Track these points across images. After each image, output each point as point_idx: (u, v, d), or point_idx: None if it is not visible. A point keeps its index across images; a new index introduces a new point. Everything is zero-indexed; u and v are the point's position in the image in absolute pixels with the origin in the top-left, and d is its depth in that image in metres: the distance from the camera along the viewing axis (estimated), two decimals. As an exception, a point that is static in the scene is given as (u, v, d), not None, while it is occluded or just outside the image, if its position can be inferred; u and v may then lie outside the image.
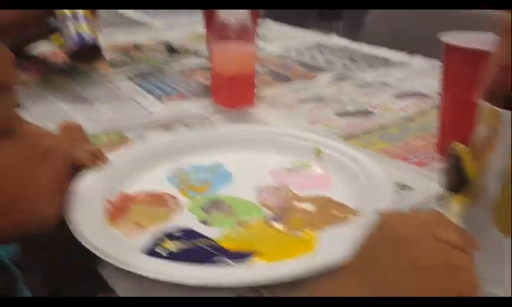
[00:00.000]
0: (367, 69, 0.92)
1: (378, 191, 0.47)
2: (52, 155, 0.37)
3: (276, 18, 1.25)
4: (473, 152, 0.37)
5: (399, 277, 0.32)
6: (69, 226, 0.41)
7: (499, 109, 0.35)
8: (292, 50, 1.05)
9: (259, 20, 0.82)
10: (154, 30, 1.18)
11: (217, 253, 0.41)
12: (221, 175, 0.54)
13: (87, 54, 0.75)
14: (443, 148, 0.59)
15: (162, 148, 0.57)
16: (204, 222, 0.46)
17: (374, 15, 1.27)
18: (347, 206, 0.47)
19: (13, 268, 0.40)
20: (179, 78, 0.87)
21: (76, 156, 0.48)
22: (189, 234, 0.44)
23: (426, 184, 0.52)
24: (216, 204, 0.49)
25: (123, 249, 0.40)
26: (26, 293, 0.40)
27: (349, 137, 0.65)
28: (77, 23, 0.73)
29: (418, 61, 0.96)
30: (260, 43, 0.83)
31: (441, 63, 0.57)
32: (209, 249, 0.42)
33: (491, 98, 0.36)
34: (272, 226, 0.45)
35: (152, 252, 0.41)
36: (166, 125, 0.67)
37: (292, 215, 0.47)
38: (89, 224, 0.41)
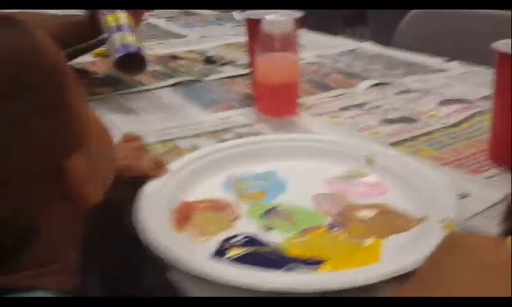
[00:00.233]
0: (406, 75, 0.92)
1: (440, 199, 0.47)
2: None
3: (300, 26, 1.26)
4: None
5: (470, 285, 0.33)
6: (139, 235, 0.43)
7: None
8: (327, 57, 1.06)
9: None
10: (188, 41, 1.20)
11: (284, 260, 0.42)
12: (276, 183, 0.55)
13: (132, 63, 0.77)
14: (495, 155, 0.59)
15: (216, 156, 0.58)
16: (265, 229, 0.47)
17: (405, 19, 1.27)
18: (407, 215, 0.48)
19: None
20: (219, 87, 0.88)
21: (139, 166, 0.50)
22: (252, 241, 0.45)
23: (485, 192, 0.52)
24: (275, 211, 0.50)
25: (192, 255, 0.41)
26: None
27: (395, 144, 0.65)
28: (122, 34, 0.75)
29: (455, 67, 0.96)
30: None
31: (493, 70, 0.57)
32: (274, 256, 0.43)
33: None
34: (334, 234, 0.46)
35: (218, 258, 0.42)
36: (215, 134, 0.69)
37: (352, 223, 0.47)
38: (158, 232, 0.43)
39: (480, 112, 0.73)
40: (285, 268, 0.40)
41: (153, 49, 1.11)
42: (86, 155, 0.34)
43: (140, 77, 0.88)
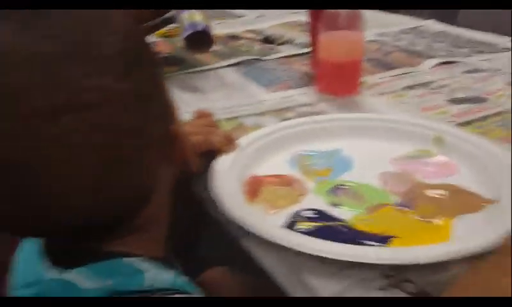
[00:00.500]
0: (472, 54, 0.89)
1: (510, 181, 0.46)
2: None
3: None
4: None
5: None
6: (216, 204, 0.45)
7: None
8: (388, 35, 1.03)
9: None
10: (246, 20, 1.21)
11: (352, 234, 0.43)
12: (342, 161, 0.56)
13: (200, 41, 0.79)
14: None
15: (282, 134, 0.59)
16: (333, 205, 0.48)
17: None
18: (478, 195, 0.47)
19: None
20: (279, 67, 0.89)
21: (212, 141, 0.52)
22: (322, 215, 0.46)
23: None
24: (342, 188, 0.50)
25: (267, 225, 0.43)
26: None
27: (463, 124, 0.64)
28: (191, 13, 0.77)
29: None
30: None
31: None
32: (345, 229, 0.44)
33: None
34: (403, 212, 0.46)
35: (289, 229, 0.44)
36: (277, 113, 0.70)
37: (421, 202, 0.47)
38: (234, 203, 0.45)
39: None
40: (356, 241, 0.41)
41: (213, 29, 1.13)
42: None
43: (202, 57, 0.91)
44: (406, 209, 0.47)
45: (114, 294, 0.33)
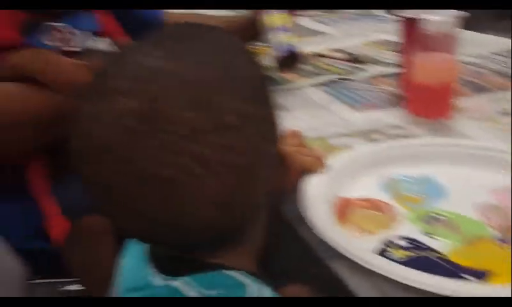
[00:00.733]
0: None
1: None
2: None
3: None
4: None
5: None
6: (307, 224, 0.46)
7: None
8: (482, 57, 0.99)
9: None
10: (332, 39, 1.22)
11: (452, 268, 0.42)
12: (435, 188, 0.54)
13: (290, 61, 0.81)
14: None
15: (372, 156, 0.59)
16: (428, 234, 0.47)
17: None
18: None
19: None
20: (366, 87, 0.89)
21: (303, 161, 0.53)
22: (416, 244, 0.45)
23: None
24: (437, 217, 0.49)
25: (358, 248, 0.43)
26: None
27: None
28: (284, 34, 0.80)
29: None
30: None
31: None
32: (441, 261, 0.43)
33: None
34: (502, 248, 0.44)
35: (382, 256, 0.44)
36: (365, 134, 0.70)
37: (524, 237, 0.45)
38: (324, 224, 0.45)
39: None
40: (455, 276, 0.40)
41: (299, 48, 1.14)
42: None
43: (288, 75, 0.93)
44: (506, 245, 0.44)
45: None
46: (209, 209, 0.32)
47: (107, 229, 0.68)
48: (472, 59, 0.98)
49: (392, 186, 0.55)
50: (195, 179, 0.31)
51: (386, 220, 0.49)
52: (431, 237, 0.46)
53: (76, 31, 0.76)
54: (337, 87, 0.89)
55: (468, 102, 0.78)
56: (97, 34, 0.80)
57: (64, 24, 0.75)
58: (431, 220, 0.49)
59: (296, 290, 0.67)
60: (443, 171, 0.56)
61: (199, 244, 0.36)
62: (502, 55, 0.98)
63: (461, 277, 0.40)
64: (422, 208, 0.51)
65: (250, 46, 0.96)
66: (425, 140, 0.63)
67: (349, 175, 0.56)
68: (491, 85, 0.84)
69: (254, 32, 0.86)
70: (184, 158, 0.31)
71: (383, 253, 0.44)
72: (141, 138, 0.31)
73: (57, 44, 0.74)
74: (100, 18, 0.80)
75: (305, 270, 0.54)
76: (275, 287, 0.42)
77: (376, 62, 1.01)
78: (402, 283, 0.39)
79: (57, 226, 0.72)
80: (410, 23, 0.75)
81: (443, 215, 0.49)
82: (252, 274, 0.38)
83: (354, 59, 1.02)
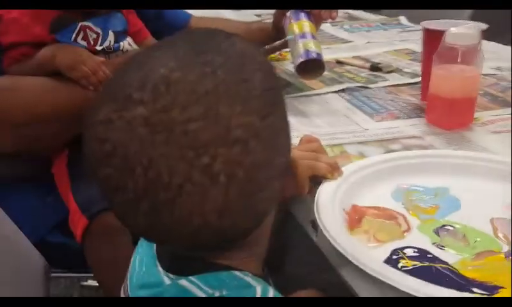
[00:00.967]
0: None
1: None
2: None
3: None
4: None
5: None
6: (320, 230, 0.47)
7: None
8: (506, 69, 0.97)
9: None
10: (354, 46, 1.22)
11: (458, 279, 0.42)
12: (449, 200, 0.54)
13: (312, 68, 0.82)
14: None
15: (387, 165, 0.60)
16: (438, 245, 0.47)
17: None
18: None
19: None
20: (385, 95, 0.89)
21: (318, 167, 0.54)
22: (424, 254, 0.46)
23: None
24: (448, 229, 0.49)
25: (366, 256, 0.43)
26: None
27: None
28: (305, 41, 0.81)
29: None
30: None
31: None
32: (449, 273, 0.43)
33: None
34: (514, 262, 0.44)
35: (390, 265, 0.44)
36: (382, 143, 0.70)
37: (537, 254, 0.44)
38: (336, 232, 0.46)
39: None
40: (461, 288, 0.40)
41: (321, 54, 1.15)
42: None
43: (308, 81, 0.94)
44: (519, 260, 0.44)
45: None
46: (212, 217, 0.33)
47: (123, 226, 0.70)
48: (497, 72, 0.97)
49: (405, 196, 0.55)
50: (201, 188, 0.32)
51: (399, 230, 0.50)
52: (440, 248, 0.46)
53: (105, 30, 0.79)
54: (357, 95, 0.89)
55: (489, 115, 0.77)
56: (125, 33, 0.82)
57: (93, 23, 0.78)
58: (443, 231, 0.49)
59: (305, 295, 0.68)
60: (457, 183, 0.56)
61: (205, 246, 0.37)
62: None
63: (468, 290, 0.40)
64: (434, 219, 0.51)
65: (273, 52, 0.98)
66: (440, 151, 0.63)
67: (363, 183, 0.57)
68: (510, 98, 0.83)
69: (277, 38, 0.87)
70: (191, 168, 0.32)
71: (391, 262, 0.45)
72: (151, 146, 0.32)
73: (87, 43, 0.77)
74: (128, 18, 0.83)
75: (316, 276, 0.55)
76: (285, 292, 0.43)
77: (397, 71, 1.01)
78: (408, 293, 0.39)
79: (79, 221, 0.74)
80: (433, 35, 0.75)
81: (454, 227, 0.49)
82: (258, 275, 0.39)
83: (376, 68, 1.02)
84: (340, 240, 0.45)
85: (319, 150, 0.56)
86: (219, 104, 0.32)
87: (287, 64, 1.04)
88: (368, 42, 1.24)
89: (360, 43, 1.24)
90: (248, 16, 1.53)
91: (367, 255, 0.44)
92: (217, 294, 0.36)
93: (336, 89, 0.91)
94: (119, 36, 0.81)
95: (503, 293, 0.40)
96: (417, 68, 0.97)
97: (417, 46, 1.07)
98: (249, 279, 0.38)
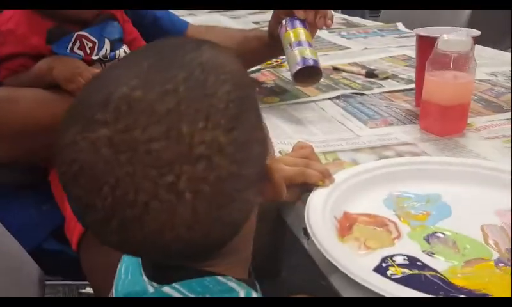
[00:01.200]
0: None
1: None
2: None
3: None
4: None
5: None
6: (310, 237, 0.47)
7: None
8: (500, 75, 0.98)
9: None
10: (351, 53, 1.22)
11: (446, 287, 0.42)
12: (440, 207, 0.54)
13: (308, 75, 0.83)
14: None
15: (379, 172, 0.60)
16: (428, 253, 0.47)
17: None
18: None
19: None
20: (380, 102, 0.89)
21: (308, 174, 0.54)
22: (414, 262, 0.46)
23: None
24: (439, 236, 0.49)
25: (356, 265, 0.44)
26: None
27: None
28: (302, 48, 0.81)
29: None
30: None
31: None
32: (436, 281, 0.43)
33: None
34: (503, 270, 0.44)
35: (379, 273, 0.44)
36: (375, 150, 0.70)
37: (526, 261, 0.45)
38: (325, 239, 0.46)
39: None
40: (440, 293, 0.40)
41: (317, 61, 1.15)
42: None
43: (304, 88, 0.94)
44: (505, 267, 0.44)
45: None
46: (182, 230, 0.34)
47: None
48: (491, 77, 0.97)
49: (396, 203, 0.55)
50: (167, 205, 0.33)
51: (390, 238, 0.50)
52: (430, 256, 0.46)
53: (101, 39, 0.79)
54: (352, 101, 0.89)
55: (483, 121, 0.77)
56: (121, 42, 0.83)
57: (89, 32, 0.78)
58: (433, 238, 0.49)
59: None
60: (449, 190, 0.56)
61: (180, 257, 0.37)
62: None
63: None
64: (425, 226, 0.51)
65: (268, 59, 0.98)
66: (432, 158, 0.63)
67: (356, 191, 0.57)
68: (508, 105, 0.83)
69: (273, 46, 0.87)
70: (156, 186, 0.32)
71: (381, 270, 0.45)
72: (116, 165, 0.32)
73: (83, 52, 0.78)
74: (124, 26, 0.83)
75: (308, 283, 0.55)
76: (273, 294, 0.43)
77: (393, 77, 1.01)
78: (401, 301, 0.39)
79: (74, 228, 0.75)
80: (426, 41, 0.75)
81: (444, 234, 0.49)
82: (242, 280, 0.39)
83: (372, 74, 1.02)
84: (330, 247, 0.45)
85: (311, 157, 0.56)
86: (180, 122, 0.32)
87: (283, 71, 1.05)
88: (365, 48, 1.25)
89: (356, 50, 1.24)
90: (246, 23, 1.54)
91: (356, 263, 0.44)
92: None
93: (332, 96, 0.92)
94: (115, 44, 0.81)
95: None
96: (413, 74, 0.97)
97: (414, 52, 1.08)
98: (232, 283, 0.38)
